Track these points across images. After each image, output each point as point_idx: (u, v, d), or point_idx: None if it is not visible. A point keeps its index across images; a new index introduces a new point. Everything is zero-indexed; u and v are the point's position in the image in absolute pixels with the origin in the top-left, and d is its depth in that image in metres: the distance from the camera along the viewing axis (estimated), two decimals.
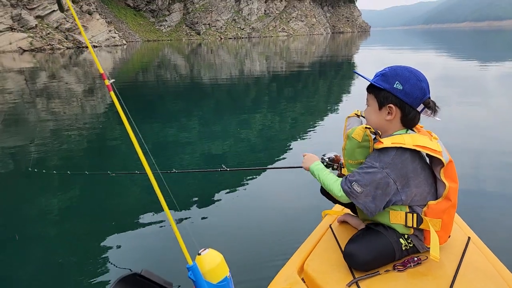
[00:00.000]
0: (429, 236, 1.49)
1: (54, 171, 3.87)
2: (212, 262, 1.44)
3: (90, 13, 37.68)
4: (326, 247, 1.71)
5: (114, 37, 40.45)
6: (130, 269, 1.50)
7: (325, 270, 1.54)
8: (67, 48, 33.68)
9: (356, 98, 8.45)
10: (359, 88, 9.71)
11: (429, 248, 1.50)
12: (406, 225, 1.51)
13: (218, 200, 3.36)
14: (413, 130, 1.56)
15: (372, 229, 1.59)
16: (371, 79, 1.57)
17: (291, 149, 4.94)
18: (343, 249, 1.59)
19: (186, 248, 1.45)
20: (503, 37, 43.18)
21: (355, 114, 1.74)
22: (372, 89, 1.56)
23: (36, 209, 3.32)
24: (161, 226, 2.89)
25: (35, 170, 3.80)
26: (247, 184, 3.70)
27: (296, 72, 14.39)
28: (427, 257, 1.52)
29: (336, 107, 7.88)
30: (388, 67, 1.54)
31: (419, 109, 1.49)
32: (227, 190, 3.54)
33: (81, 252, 2.64)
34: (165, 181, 1.69)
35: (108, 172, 3.04)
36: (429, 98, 1.49)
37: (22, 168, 4.33)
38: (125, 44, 41.63)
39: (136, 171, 2.42)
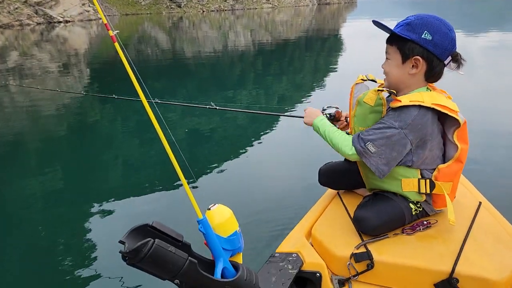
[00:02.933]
0: (439, 199, 1.46)
1: None
2: (222, 216, 1.45)
3: None
4: (334, 212, 1.70)
5: (89, 11, 37.98)
6: (142, 221, 1.39)
7: (333, 234, 1.53)
8: (37, 23, 31.35)
9: (343, 72, 8.37)
10: (346, 61, 9.83)
11: (438, 210, 1.51)
12: (419, 192, 1.46)
13: (229, 161, 3.50)
14: (429, 88, 1.45)
15: (381, 194, 1.54)
16: (392, 29, 1.40)
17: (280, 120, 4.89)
18: (351, 214, 1.59)
19: (197, 203, 1.44)
20: (489, 6, 43.06)
21: (361, 79, 1.61)
22: (394, 40, 1.41)
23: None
24: (173, 182, 2.97)
25: None
26: (260, 147, 3.82)
27: (281, 46, 14.02)
28: (436, 220, 1.50)
29: (322, 82, 7.63)
30: (413, 15, 1.38)
31: (446, 62, 1.38)
32: (239, 151, 3.70)
33: (96, 203, 2.81)
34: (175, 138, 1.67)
35: (114, 95, 2.94)
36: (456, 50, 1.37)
37: None
38: (100, 19, 39.34)
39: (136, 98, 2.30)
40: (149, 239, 1.17)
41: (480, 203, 1.65)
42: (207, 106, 2.26)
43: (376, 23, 1.51)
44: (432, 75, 1.41)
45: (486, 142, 3.59)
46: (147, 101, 1.46)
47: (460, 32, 14.95)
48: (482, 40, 12.10)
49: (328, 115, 1.74)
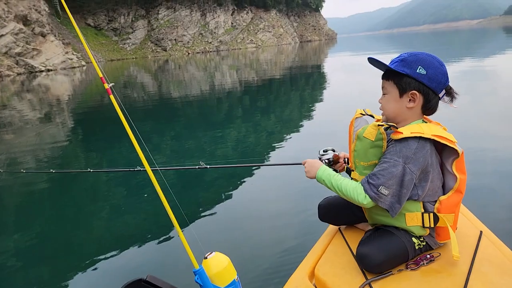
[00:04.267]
0: (442, 232, 1.45)
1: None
2: (219, 265, 1.41)
3: (43, 35, 35.34)
4: (336, 250, 1.67)
5: (72, 59, 38.22)
6: (135, 275, 1.39)
7: (336, 274, 1.50)
8: (18, 74, 31.10)
9: (329, 105, 8.59)
10: (331, 95, 10.01)
11: (441, 244, 1.50)
12: (423, 226, 1.45)
13: (223, 205, 3.34)
14: (424, 121, 1.47)
15: (383, 229, 1.52)
16: (388, 65, 1.46)
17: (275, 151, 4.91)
18: (354, 251, 1.55)
19: (192, 252, 1.43)
20: (459, 37, 45.69)
21: (360, 113, 1.64)
22: (391, 75, 1.46)
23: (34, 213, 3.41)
24: (167, 231, 2.85)
25: None
26: (254, 189, 3.68)
27: (267, 83, 14.05)
28: (439, 253, 1.48)
29: (310, 115, 7.61)
30: (406, 53, 1.45)
31: (440, 95, 1.43)
32: (233, 194, 3.53)
33: (84, 258, 2.61)
34: (168, 185, 1.68)
35: (89, 170, 2.75)
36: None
37: None
38: (84, 66, 39.69)
39: (137, 167, 2.17)
40: None
41: (481, 232, 1.63)
42: (197, 167, 2.23)
43: (371, 60, 1.52)
44: (428, 108, 1.44)
45: (478, 169, 3.57)
46: (151, 169, 1.49)
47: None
48: (460, 67, 12.31)
49: (326, 161, 1.73)
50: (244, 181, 3.90)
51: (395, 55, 1.49)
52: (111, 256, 2.63)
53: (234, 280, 1.44)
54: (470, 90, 7.92)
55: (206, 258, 1.44)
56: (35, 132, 7.92)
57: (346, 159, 1.79)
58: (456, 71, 11.06)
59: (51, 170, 2.84)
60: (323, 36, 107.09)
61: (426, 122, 1.47)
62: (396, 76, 1.44)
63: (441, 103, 1.48)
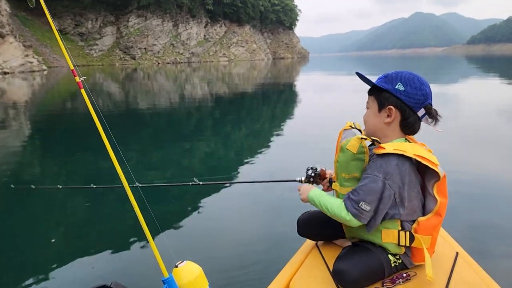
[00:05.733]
0: (418, 253, 1.46)
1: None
2: (190, 275, 1.38)
3: (2, 36, 32.95)
4: (313, 265, 1.65)
5: (32, 62, 35.82)
6: (100, 282, 1.34)
7: None
8: None
9: (302, 120, 8.61)
10: (303, 111, 10.01)
11: (417, 265, 1.50)
12: (398, 244, 1.45)
13: (196, 214, 3.30)
14: (409, 140, 1.50)
15: (360, 245, 1.54)
16: (373, 81, 1.51)
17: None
18: (330, 267, 1.56)
19: (162, 260, 1.41)
20: (424, 63, 47.37)
21: (350, 126, 1.66)
22: (374, 91, 1.51)
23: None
24: (137, 238, 2.77)
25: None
26: (231, 202, 3.59)
27: (239, 97, 13.79)
28: (415, 273, 1.49)
29: (280, 129, 7.54)
30: (393, 71, 1.50)
31: (419, 113, 1.44)
32: (206, 204, 3.48)
33: (50, 262, 2.55)
34: (142, 192, 1.69)
35: (93, 185, 2.44)
36: (431, 105, 1.44)
37: None
38: (45, 70, 37.50)
39: (120, 186, 1.73)
40: None
41: (457, 253, 1.64)
42: (190, 183, 2.14)
43: (359, 75, 1.54)
44: (407, 126, 1.45)
45: (457, 190, 3.55)
46: (129, 186, 1.53)
47: None
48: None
49: (312, 173, 1.78)
50: (221, 193, 3.76)
51: (364, 74, 1.50)
52: (77, 262, 2.54)
53: None
54: (447, 114, 7.85)
55: (176, 266, 1.41)
56: None
57: (331, 179, 1.79)
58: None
59: (58, 186, 2.59)
60: (295, 54, 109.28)
61: (409, 142, 1.48)
62: (378, 91, 1.48)
63: (426, 126, 1.47)
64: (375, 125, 1.49)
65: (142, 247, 2.68)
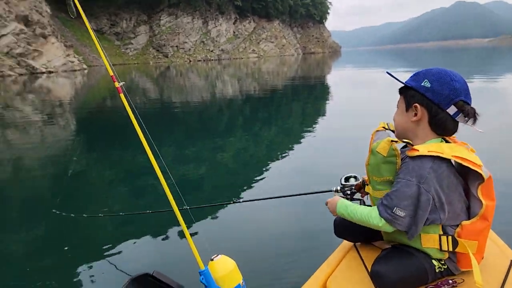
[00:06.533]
0: (464, 259, 1.38)
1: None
2: (225, 268, 1.45)
3: (44, 37, 34.86)
4: (350, 265, 1.62)
5: (73, 62, 37.62)
6: (143, 271, 1.48)
7: None
8: (20, 74, 30.50)
9: (332, 118, 8.46)
10: (334, 108, 9.84)
11: (464, 271, 1.42)
12: (440, 249, 1.37)
13: (232, 210, 3.36)
14: (448, 141, 1.41)
15: (401, 248, 1.47)
16: (403, 80, 1.47)
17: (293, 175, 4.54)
18: (369, 268, 1.51)
19: (199, 254, 1.47)
20: (469, 55, 44.91)
21: (383, 127, 1.61)
22: (402, 89, 1.48)
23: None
24: (176, 232, 2.91)
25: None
26: (268, 191, 3.67)
27: (269, 94, 13.88)
28: (463, 279, 1.39)
29: (312, 128, 7.42)
30: (425, 68, 1.43)
31: (450, 111, 1.34)
32: (247, 202, 3.40)
33: (97, 252, 2.73)
34: (178, 187, 1.74)
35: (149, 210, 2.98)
36: (465, 102, 1.32)
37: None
38: (85, 69, 39.31)
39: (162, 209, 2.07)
40: None
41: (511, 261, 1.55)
42: (231, 202, 2.36)
43: (388, 74, 1.55)
44: (437, 125, 1.37)
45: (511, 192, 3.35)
46: (178, 210, 1.54)
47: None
48: (474, 85, 11.91)
49: (348, 193, 1.78)
50: (258, 191, 3.85)
51: (399, 70, 1.56)
52: (123, 252, 2.73)
53: (239, 284, 1.44)
54: (497, 111, 7.56)
55: (212, 260, 1.46)
56: (38, 132, 7.67)
57: (364, 181, 1.74)
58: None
59: (121, 213, 3.05)
60: (326, 49, 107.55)
61: (447, 142, 1.41)
62: (405, 90, 1.46)
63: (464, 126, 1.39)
64: (403, 124, 1.46)
65: (181, 241, 2.81)
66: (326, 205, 1.64)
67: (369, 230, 1.59)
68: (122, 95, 1.57)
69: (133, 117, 1.56)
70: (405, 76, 1.52)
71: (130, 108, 1.57)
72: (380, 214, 1.36)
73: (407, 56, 53.10)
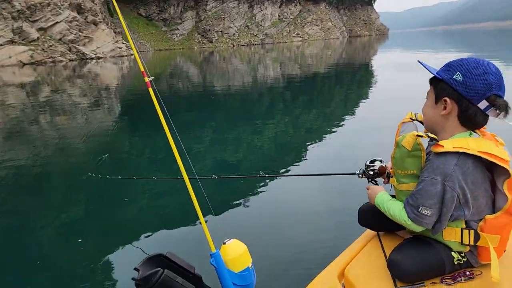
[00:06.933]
0: (484, 252, 1.36)
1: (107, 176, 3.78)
2: (235, 251, 1.50)
3: (95, 24, 36.77)
4: (371, 254, 1.63)
5: (121, 48, 39.42)
6: (156, 251, 1.53)
7: (367, 277, 1.47)
8: (70, 60, 32.55)
9: (373, 104, 8.26)
10: (376, 94, 9.57)
11: (484, 264, 1.40)
12: (462, 243, 1.36)
13: (252, 193, 3.39)
14: (477, 133, 1.37)
15: (421, 239, 1.46)
16: (435, 70, 1.41)
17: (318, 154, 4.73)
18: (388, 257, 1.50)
19: (212, 237, 1.53)
20: None
21: (410, 118, 1.59)
22: (433, 81, 1.41)
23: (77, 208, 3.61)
24: (190, 216, 2.88)
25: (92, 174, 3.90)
26: (290, 187, 3.59)
27: (311, 78, 13.72)
28: (481, 272, 1.38)
29: (353, 113, 7.38)
30: (459, 58, 1.36)
31: (481, 106, 1.28)
32: (267, 188, 3.53)
33: (113, 234, 2.95)
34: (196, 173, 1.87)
35: (154, 177, 3.58)
36: (497, 95, 1.26)
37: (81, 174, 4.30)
38: (132, 55, 40.86)
39: (179, 177, 2.09)
40: (159, 269, 1.32)
41: None
42: (257, 175, 2.35)
43: (420, 63, 1.51)
44: (467, 119, 1.33)
45: None
46: (189, 178, 1.63)
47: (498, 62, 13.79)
48: None
49: (371, 174, 1.83)
50: (279, 170, 3.86)
51: (448, 55, 1.38)
52: (136, 234, 2.86)
53: (248, 267, 1.50)
54: None
55: (224, 243, 1.52)
56: (84, 116, 8.16)
57: (389, 172, 1.77)
58: None
59: (154, 177, 3.42)
60: (373, 31, 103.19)
61: (476, 135, 1.37)
62: (436, 82, 1.39)
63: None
64: (432, 117, 1.42)
65: (194, 225, 2.92)
66: (367, 190, 1.65)
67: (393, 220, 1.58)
68: (150, 89, 1.64)
69: (161, 113, 1.62)
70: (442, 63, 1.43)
71: (158, 103, 1.63)
72: (408, 215, 1.37)
73: (459, 38, 49.80)
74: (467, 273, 1.38)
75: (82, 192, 3.95)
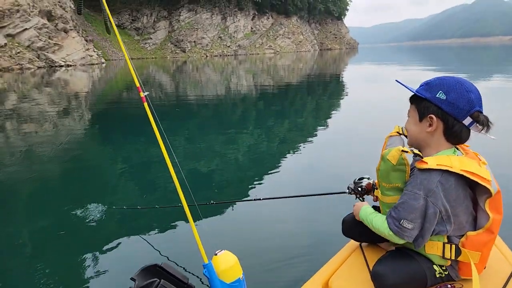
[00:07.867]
0: (465, 267, 1.40)
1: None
2: (227, 263, 1.56)
3: (66, 31, 35.85)
4: (354, 265, 1.65)
5: (92, 56, 38.46)
6: (152, 262, 1.57)
7: None
8: (38, 67, 31.36)
9: (345, 114, 8.45)
10: (347, 105, 9.79)
11: (464, 278, 1.44)
12: (443, 257, 1.40)
13: (241, 204, 3.45)
14: (460, 151, 1.42)
15: (404, 251, 1.50)
16: (414, 89, 1.46)
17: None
18: (371, 268, 1.54)
19: (204, 248, 1.59)
20: (489, 53, 43.82)
21: (397, 132, 1.64)
22: (414, 99, 1.46)
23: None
24: (183, 227, 3.02)
25: None
26: (274, 188, 3.78)
27: (283, 90, 13.92)
28: (462, 285, 1.42)
29: (326, 123, 7.49)
30: (436, 77, 1.41)
31: (465, 122, 1.34)
32: (252, 194, 3.66)
33: (107, 242, 2.86)
34: (187, 183, 1.88)
35: (156, 206, 3.22)
36: (479, 111, 1.33)
37: None
38: (103, 63, 40.09)
39: (179, 204, 2.08)
40: (155, 279, 1.36)
41: None
42: (253, 199, 2.50)
43: (398, 82, 1.54)
44: (452, 135, 1.37)
45: None
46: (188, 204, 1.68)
47: (468, 75, 14.74)
48: (491, 84, 11.76)
49: (359, 190, 1.88)
50: (266, 190, 3.88)
51: (415, 68, 1.46)
52: (134, 243, 2.89)
53: (239, 278, 1.54)
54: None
55: (216, 254, 1.56)
56: (53, 124, 7.95)
57: (374, 185, 1.85)
58: (488, 90, 10.35)
59: (138, 207, 3.25)
60: (344, 45, 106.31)
61: (460, 152, 1.41)
62: (418, 100, 1.42)
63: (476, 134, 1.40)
64: (417, 134, 1.45)
65: (187, 236, 2.81)
66: (353, 207, 1.72)
67: None
68: (146, 104, 1.66)
69: (157, 130, 1.63)
70: (417, 77, 1.53)
71: (154, 119, 1.65)
72: (388, 226, 1.40)
73: (426, 53, 52.01)
74: (449, 286, 1.41)
75: (71, 203, 3.75)
